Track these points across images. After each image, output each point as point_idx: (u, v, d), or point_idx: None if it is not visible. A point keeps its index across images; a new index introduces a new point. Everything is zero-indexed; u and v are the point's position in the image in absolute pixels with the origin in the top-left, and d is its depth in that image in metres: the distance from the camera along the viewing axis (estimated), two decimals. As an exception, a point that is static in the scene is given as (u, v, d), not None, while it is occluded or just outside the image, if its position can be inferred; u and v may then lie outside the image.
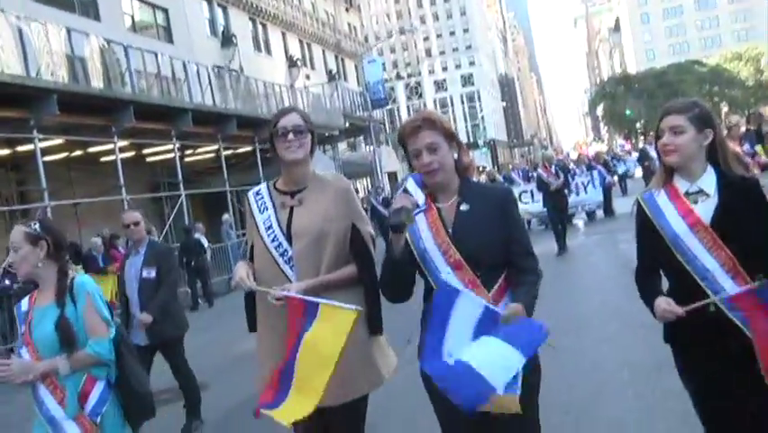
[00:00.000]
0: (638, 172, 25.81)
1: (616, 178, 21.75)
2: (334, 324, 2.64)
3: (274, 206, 3.01)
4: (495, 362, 2.29)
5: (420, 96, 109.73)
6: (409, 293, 2.59)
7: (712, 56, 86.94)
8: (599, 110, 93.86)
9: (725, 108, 63.01)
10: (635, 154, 31.14)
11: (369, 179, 36.32)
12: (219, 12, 31.05)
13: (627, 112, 77.68)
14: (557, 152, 44.82)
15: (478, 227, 2.50)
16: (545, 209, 13.81)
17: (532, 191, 16.43)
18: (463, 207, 2.55)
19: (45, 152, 15.87)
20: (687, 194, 2.61)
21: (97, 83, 14.66)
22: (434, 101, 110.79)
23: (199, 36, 28.35)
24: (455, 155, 2.60)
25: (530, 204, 16.78)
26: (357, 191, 34.56)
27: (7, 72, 11.81)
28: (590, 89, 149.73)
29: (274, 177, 3.13)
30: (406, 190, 2.45)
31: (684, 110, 2.60)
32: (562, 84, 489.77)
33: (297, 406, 2.64)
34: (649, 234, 2.64)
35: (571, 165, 18.20)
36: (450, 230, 2.51)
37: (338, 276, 2.90)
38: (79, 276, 3.06)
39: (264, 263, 2.94)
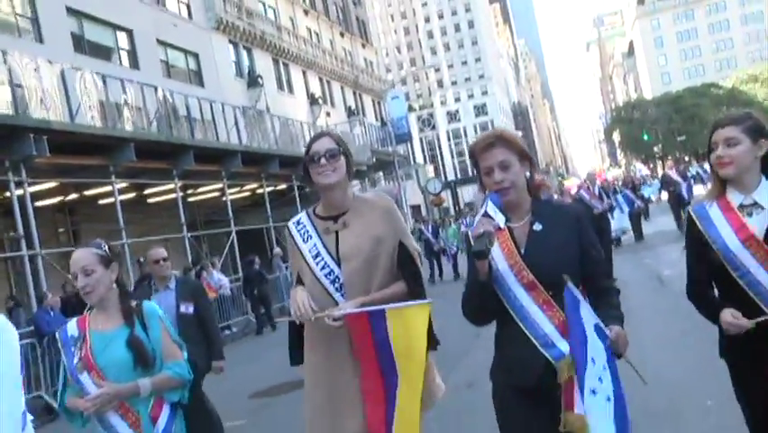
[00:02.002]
0: (663, 196, 26.85)
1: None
2: (410, 323, 2.71)
3: (318, 232, 3.04)
4: None
5: (433, 127, 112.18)
6: (495, 314, 2.60)
7: (728, 78, 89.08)
8: (616, 135, 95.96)
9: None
10: (656, 181, 32.62)
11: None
12: (244, 54, 33.16)
13: (645, 137, 79.62)
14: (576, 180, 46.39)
15: (551, 247, 2.52)
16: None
17: None
18: (536, 227, 2.56)
19: (105, 195, 17.89)
20: (741, 207, 2.62)
21: (165, 130, 16.62)
22: (447, 132, 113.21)
23: (227, 78, 30.41)
24: (527, 174, 2.62)
25: None
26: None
27: (96, 125, 13.78)
28: (605, 115, 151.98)
29: None
30: (486, 214, 2.42)
31: (738, 121, 2.63)
32: (576, 110, 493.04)
33: (409, 417, 2.73)
34: (701, 248, 2.66)
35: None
36: (522, 250, 2.52)
37: (389, 293, 2.92)
38: (145, 302, 3.13)
39: (314, 294, 2.94)
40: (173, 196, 19.47)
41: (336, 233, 3.01)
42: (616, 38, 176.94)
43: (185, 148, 16.92)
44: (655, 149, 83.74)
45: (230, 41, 31.79)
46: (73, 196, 17.58)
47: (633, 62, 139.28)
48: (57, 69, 13.62)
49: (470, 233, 2.52)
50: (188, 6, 29.31)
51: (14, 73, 12.43)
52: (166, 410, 2.97)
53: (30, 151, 11.96)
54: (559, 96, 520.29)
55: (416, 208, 42.54)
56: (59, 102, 13.38)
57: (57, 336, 3.09)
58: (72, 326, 3.05)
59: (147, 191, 19.55)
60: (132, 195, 18.68)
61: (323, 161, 2.95)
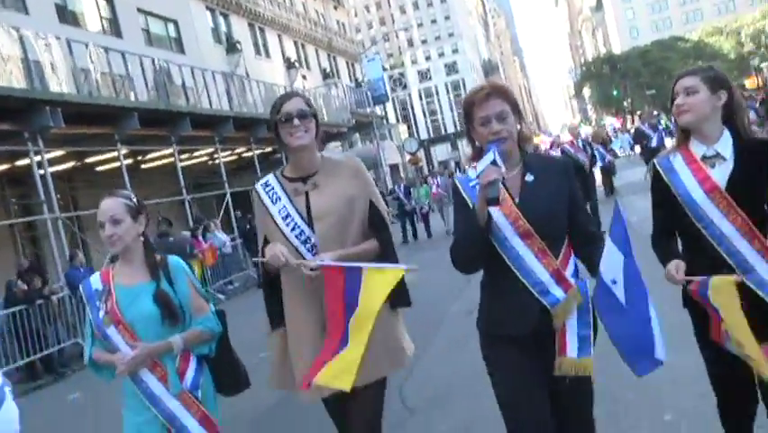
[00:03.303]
0: (636, 150, 27.65)
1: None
2: (380, 286, 2.72)
3: (287, 194, 3.03)
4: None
5: (404, 87, 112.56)
6: (483, 262, 2.67)
7: (695, 30, 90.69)
8: (586, 91, 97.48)
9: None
10: (626, 135, 33.98)
11: (374, 172, 39.56)
12: (221, 20, 33.67)
13: (614, 93, 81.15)
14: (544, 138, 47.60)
15: (545, 197, 2.58)
16: None
17: None
18: (528, 178, 2.61)
19: (102, 162, 18.78)
20: (704, 158, 2.66)
21: (163, 98, 17.54)
22: (419, 91, 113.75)
23: (206, 45, 30.93)
24: (518, 126, 2.65)
25: None
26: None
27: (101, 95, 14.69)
28: (575, 70, 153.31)
29: None
30: (494, 162, 2.43)
31: (697, 72, 2.72)
32: (546, 66, 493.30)
33: (339, 371, 2.68)
34: (666, 199, 2.71)
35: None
36: (516, 200, 2.56)
37: (363, 248, 2.96)
38: (170, 257, 3.08)
39: None
40: (167, 161, 20.40)
41: (306, 193, 3.02)
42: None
43: (182, 115, 17.86)
44: (625, 103, 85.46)
45: (207, 8, 32.22)
46: (72, 163, 18.46)
47: (601, 16, 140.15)
48: (63, 43, 14.43)
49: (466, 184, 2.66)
50: (166, -27, 29.75)
51: (30, 48, 13.26)
52: (192, 364, 2.96)
53: (47, 122, 12.89)
54: (529, 53, 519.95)
55: (394, 168, 43.77)
56: (66, 74, 14.22)
57: (80, 289, 3.07)
58: (96, 279, 3.03)
59: (142, 158, 20.44)
60: (128, 162, 19.58)
61: (296, 121, 2.95)
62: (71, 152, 16.40)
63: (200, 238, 15.79)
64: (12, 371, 10.37)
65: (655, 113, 70.67)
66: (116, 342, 2.88)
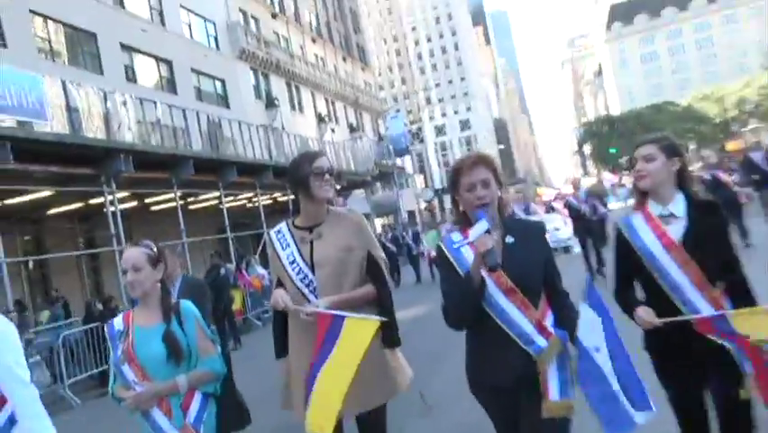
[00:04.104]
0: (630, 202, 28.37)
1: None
2: (357, 335, 2.77)
3: (295, 241, 3.16)
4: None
5: (422, 140, 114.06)
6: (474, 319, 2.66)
7: (684, 96, 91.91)
8: (587, 148, 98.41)
9: (692, 145, 67.37)
10: (623, 189, 34.69)
11: (393, 216, 40.58)
12: (262, 79, 35.25)
13: (612, 150, 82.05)
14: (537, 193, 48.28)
15: (524, 257, 2.63)
16: (576, 238, 13.68)
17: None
18: (508, 240, 2.67)
19: (156, 203, 19.82)
20: (660, 217, 2.76)
21: (214, 148, 18.65)
22: (435, 145, 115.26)
23: (248, 101, 32.42)
24: (499, 193, 2.71)
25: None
26: (384, 226, 38.82)
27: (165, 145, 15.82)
28: (578, 128, 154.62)
29: None
30: (488, 231, 2.50)
31: (655, 141, 2.83)
32: (552, 124, 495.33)
33: (322, 415, 2.75)
34: (627, 254, 2.79)
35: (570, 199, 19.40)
36: (499, 261, 2.57)
37: (359, 294, 3.08)
38: (183, 301, 3.13)
39: (291, 295, 3.07)
40: (211, 203, 21.43)
41: (311, 242, 3.12)
42: (587, 58, 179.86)
43: (229, 164, 18.91)
44: (621, 160, 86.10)
45: (251, 68, 33.80)
46: (134, 204, 19.51)
47: (602, 81, 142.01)
48: (136, 100, 15.62)
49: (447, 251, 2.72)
50: (216, 39, 31.37)
51: (112, 105, 14.44)
52: (197, 400, 2.98)
53: (120, 167, 13.96)
54: (536, 112, 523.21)
55: (411, 213, 44.78)
56: (134, 127, 15.38)
57: (105, 330, 3.13)
58: (118, 321, 3.09)
59: (191, 199, 21.44)
60: (179, 203, 20.60)
61: (327, 176, 3.09)
62: (133, 193, 17.42)
63: (243, 271, 16.68)
64: (86, 378, 11.24)
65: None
66: (128, 377, 2.96)
